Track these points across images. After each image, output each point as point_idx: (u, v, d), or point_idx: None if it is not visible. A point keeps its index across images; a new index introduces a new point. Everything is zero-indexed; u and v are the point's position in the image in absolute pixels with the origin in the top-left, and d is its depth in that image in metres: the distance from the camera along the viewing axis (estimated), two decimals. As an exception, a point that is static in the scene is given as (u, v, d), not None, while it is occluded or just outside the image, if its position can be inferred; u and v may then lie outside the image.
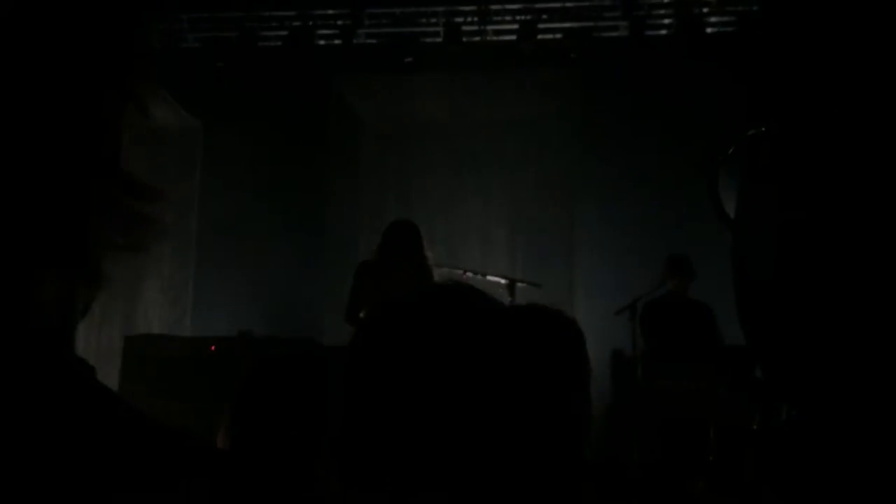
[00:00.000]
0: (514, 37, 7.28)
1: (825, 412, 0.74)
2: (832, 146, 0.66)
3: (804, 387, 0.76)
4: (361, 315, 4.90)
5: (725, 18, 6.99)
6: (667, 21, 7.12)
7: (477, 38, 7.34)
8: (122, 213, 0.63)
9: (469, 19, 7.30)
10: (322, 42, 7.52)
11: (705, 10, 7.01)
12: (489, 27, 7.31)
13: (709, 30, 7.02)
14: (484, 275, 5.95)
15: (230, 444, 1.59)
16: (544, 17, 7.17)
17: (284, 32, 7.51)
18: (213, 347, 6.66)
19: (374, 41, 7.52)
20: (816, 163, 0.68)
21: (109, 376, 6.04)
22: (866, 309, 0.65)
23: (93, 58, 0.61)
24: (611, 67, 6.96)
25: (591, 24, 7.18)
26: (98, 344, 6.45)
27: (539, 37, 7.22)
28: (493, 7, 7.17)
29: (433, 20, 7.34)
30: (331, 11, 7.42)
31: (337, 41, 7.46)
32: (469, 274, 5.89)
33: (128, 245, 0.64)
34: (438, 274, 5.50)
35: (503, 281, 5.78)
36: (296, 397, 1.59)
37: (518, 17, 7.21)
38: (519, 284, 5.86)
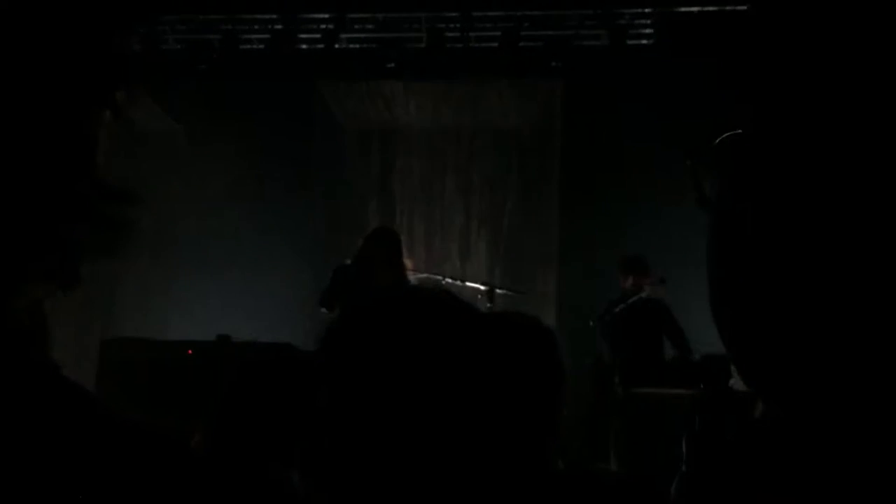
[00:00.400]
0: (496, 44, 7.30)
1: (798, 405, 0.75)
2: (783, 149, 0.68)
3: (775, 379, 0.76)
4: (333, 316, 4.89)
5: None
6: (647, 31, 7.15)
7: (459, 45, 7.35)
8: (97, 217, 0.63)
9: (452, 25, 7.30)
10: (305, 46, 7.50)
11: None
12: (472, 34, 7.32)
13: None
14: (464, 281, 5.96)
15: (209, 445, 1.58)
16: (526, 24, 7.19)
17: (267, 36, 7.48)
18: (189, 351, 6.62)
19: (357, 46, 7.51)
20: (769, 161, 0.70)
21: (86, 379, 6.00)
22: (808, 298, 0.66)
23: (68, 66, 0.62)
24: (592, 76, 6.99)
25: (572, 32, 7.20)
26: (77, 347, 6.39)
27: (521, 44, 7.24)
28: (476, 14, 7.18)
29: (416, 26, 7.35)
30: (314, 15, 7.41)
31: (320, 45, 7.44)
32: (448, 280, 5.90)
33: (104, 249, 0.64)
34: (417, 280, 5.51)
35: (483, 288, 5.78)
36: (279, 400, 1.59)
37: (500, 25, 7.22)
38: (499, 291, 5.87)
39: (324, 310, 5.21)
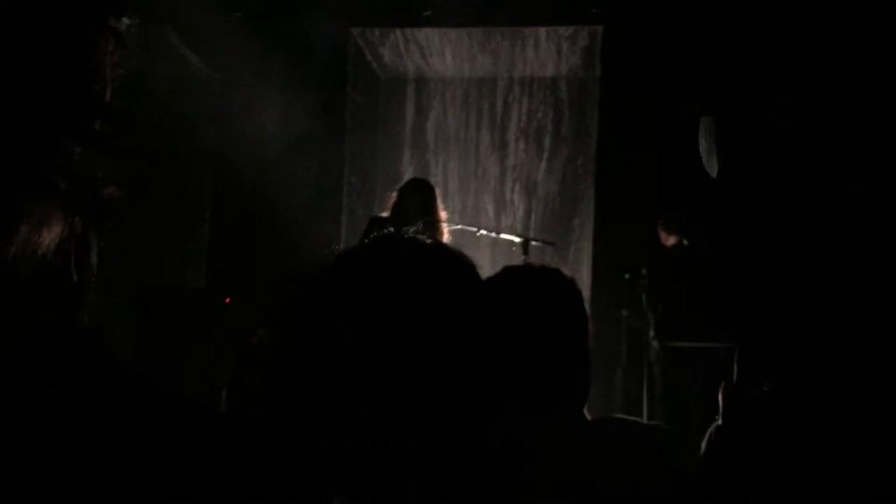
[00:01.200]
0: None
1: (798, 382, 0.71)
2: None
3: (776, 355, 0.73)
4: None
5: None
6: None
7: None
8: (103, 140, 0.63)
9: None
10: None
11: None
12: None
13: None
14: (498, 233, 5.93)
15: (227, 405, 1.58)
16: (567, -30, 7.02)
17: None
18: (227, 300, 6.71)
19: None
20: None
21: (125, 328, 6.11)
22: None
23: None
24: (633, 23, 6.81)
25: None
26: (110, 293, 6.48)
27: (561, -9, 7.08)
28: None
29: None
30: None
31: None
32: (483, 232, 5.87)
33: (119, 178, 0.64)
34: (451, 231, 5.49)
35: (517, 239, 5.74)
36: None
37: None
38: (533, 243, 5.83)
39: None
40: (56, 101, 0.60)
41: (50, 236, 0.60)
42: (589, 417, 1.58)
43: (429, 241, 1.04)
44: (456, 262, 1.01)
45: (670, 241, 5.89)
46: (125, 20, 0.68)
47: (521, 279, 1.63)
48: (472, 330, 0.96)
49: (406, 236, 1.03)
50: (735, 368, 1.45)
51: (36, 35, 0.59)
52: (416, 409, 0.91)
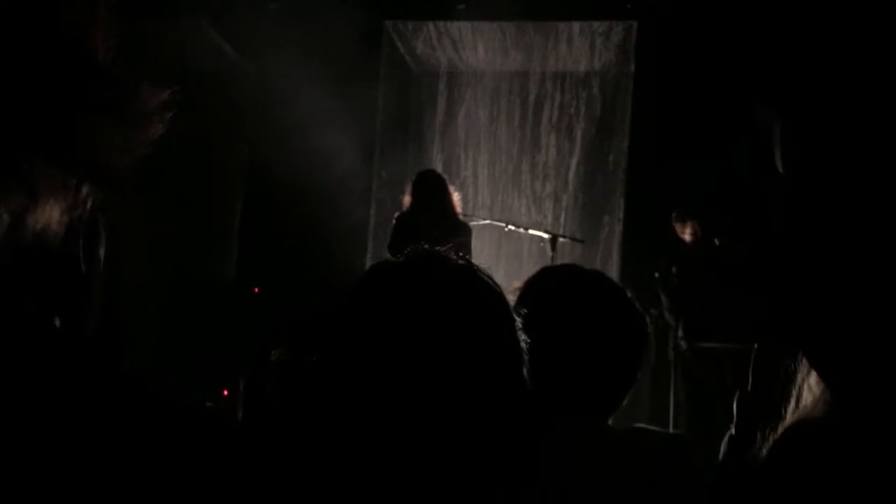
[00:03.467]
0: (569, -15, 7.09)
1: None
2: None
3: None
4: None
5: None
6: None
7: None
8: (111, 114, 0.62)
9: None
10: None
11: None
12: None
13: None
14: (526, 229, 5.90)
15: (243, 409, 1.59)
16: (601, -35, 6.96)
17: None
18: (256, 290, 6.76)
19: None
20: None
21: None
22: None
23: None
24: (667, 19, 6.73)
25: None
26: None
27: (595, -14, 7.02)
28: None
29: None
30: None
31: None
32: (511, 228, 5.85)
33: (126, 146, 0.63)
34: (479, 227, 5.47)
35: (546, 236, 5.72)
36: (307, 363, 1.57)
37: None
38: (562, 240, 5.80)
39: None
40: (56, 68, 0.59)
41: (58, 208, 0.59)
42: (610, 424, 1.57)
43: (460, 261, 1.04)
44: (482, 286, 1.01)
45: (686, 233, 5.85)
46: None
47: (580, 287, 1.59)
48: (493, 352, 0.96)
49: (438, 255, 1.03)
50: (750, 376, 1.42)
51: (36, 11, 0.59)
52: (436, 426, 0.91)
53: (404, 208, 5.35)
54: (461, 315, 0.97)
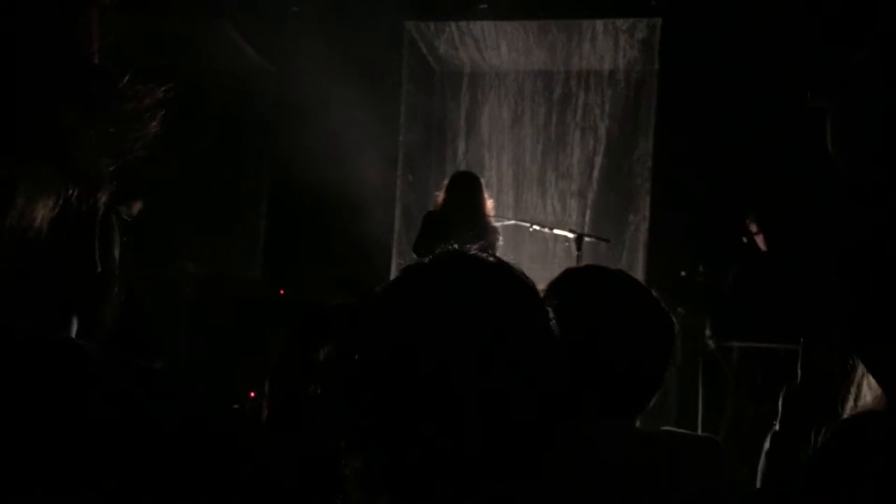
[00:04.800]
0: (592, -17, 7.05)
1: None
2: None
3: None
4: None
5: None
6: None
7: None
8: (102, 111, 0.61)
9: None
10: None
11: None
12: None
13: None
14: (551, 228, 5.87)
15: (268, 410, 1.58)
16: (625, -39, 6.91)
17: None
18: (281, 291, 6.78)
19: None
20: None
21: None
22: None
23: None
24: (693, 17, 6.67)
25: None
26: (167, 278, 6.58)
27: (619, -17, 6.97)
28: (572, -49, 6.94)
29: (510, -36, 7.15)
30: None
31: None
32: (535, 227, 5.82)
33: (116, 145, 0.62)
34: (503, 227, 5.46)
35: (570, 235, 5.68)
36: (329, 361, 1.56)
37: (598, -37, 6.96)
38: (587, 239, 5.77)
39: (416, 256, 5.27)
40: (46, 63, 0.58)
41: (43, 209, 0.58)
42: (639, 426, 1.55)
43: (491, 259, 1.03)
44: (517, 282, 1.00)
45: (754, 226, 5.76)
46: None
47: (605, 287, 1.57)
48: (530, 352, 0.95)
49: (469, 254, 1.02)
50: (799, 371, 1.38)
51: (25, 6, 0.58)
52: (474, 424, 0.90)
53: (436, 206, 5.35)
54: (498, 312, 0.96)
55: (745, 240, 5.73)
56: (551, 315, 1.00)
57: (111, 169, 0.62)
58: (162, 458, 0.58)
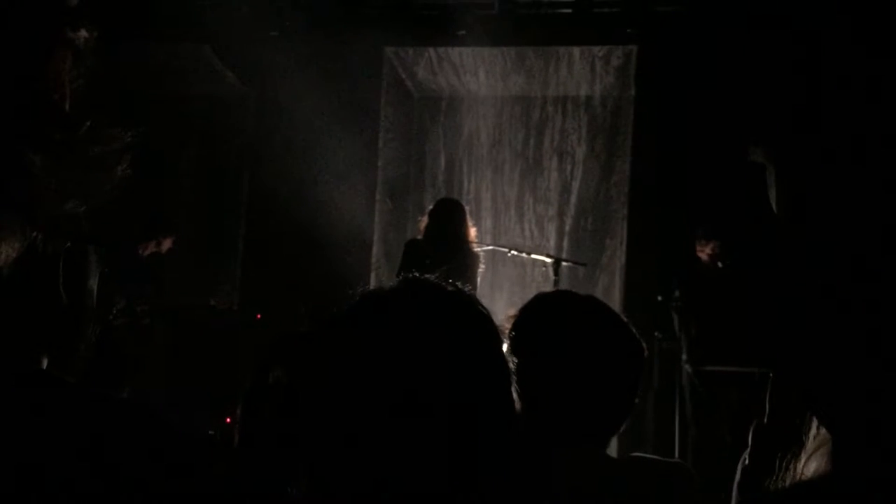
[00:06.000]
0: (569, 10, 7.13)
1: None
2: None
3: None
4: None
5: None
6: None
7: (532, 11, 7.20)
8: (70, 156, 0.62)
9: (524, -9, 7.15)
10: (375, 12, 7.45)
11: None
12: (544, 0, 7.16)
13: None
14: (528, 253, 5.90)
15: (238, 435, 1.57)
16: (601, -11, 6.99)
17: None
18: (258, 316, 6.75)
19: (426, 12, 7.43)
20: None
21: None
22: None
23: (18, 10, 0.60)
24: (667, 44, 6.76)
25: (648, -3, 6.97)
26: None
27: (595, 10, 7.05)
28: (549, -21, 7.02)
29: (488, -9, 7.21)
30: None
31: (389, 11, 7.38)
32: (513, 252, 5.84)
33: (79, 191, 0.62)
34: (482, 251, 5.48)
35: (548, 260, 5.71)
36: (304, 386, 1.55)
37: (574, -10, 7.04)
38: (564, 264, 5.79)
39: None
40: (12, 110, 0.59)
41: (6, 250, 0.59)
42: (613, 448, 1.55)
43: (450, 288, 1.05)
44: (472, 312, 1.02)
45: (705, 252, 5.79)
46: (83, 32, 0.67)
47: (574, 313, 1.58)
48: (481, 372, 0.97)
49: (428, 281, 1.04)
50: (766, 404, 1.40)
51: None
52: (424, 447, 0.91)
53: (419, 232, 5.37)
54: (447, 337, 0.97)
55: (720, 264, 5.78)
56: (505, 342, 1.02)
57: (81, 210, 0.62)
58: (124, 487, 0.59)
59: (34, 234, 0.61)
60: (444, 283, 1.04)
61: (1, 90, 0.59)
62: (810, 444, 0.82)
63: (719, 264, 5.76)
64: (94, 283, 0.68)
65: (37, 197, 0.60)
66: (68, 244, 0.64)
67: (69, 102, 0.65)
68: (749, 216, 5.48)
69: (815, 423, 0.83)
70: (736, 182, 5.76)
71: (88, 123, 0.64)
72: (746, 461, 1.50)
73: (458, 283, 1.05)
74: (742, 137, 5.90)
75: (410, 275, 1.07)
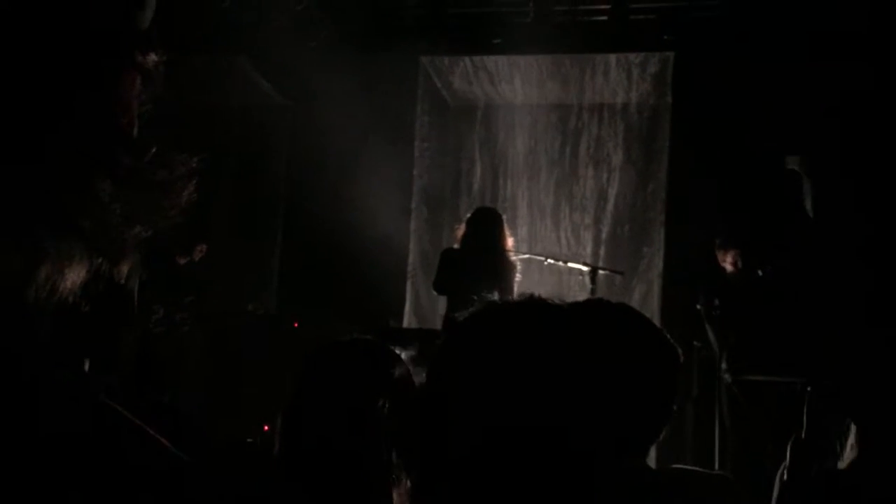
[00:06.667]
0: (605, 17, 7.09)
1: None
2: None
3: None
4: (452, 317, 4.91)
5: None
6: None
7: (567, 19, 7.17)
8: (137, 181, 0.62)
9: (560, -1, 7.13)
10: (411, 22, 7.49)
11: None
12: (580, 7, 7.13)
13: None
14: (566, 262, 5.87)
15: (280, 443, 1.58)
16: (637, -4, 6.95)
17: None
18: (295, 324, 6.79)
19: (461, 21, 7.44)
20: None
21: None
22: None
23: (86, 26, 0.61)
24: (706, 50, 6.70)
25: (685, 3, 6.92)
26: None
27: (631, 17, 7.01)
28: (585, -14, 6.99)
29: (523, -1, 7.20)
30: (420, -10, 7.37)
31: (424, 20, 7.41)
32: (550, 261, 5.82)
33: (145, 216, 0.63)
34: (519, 260, 5.46)
35: (585, 268, 5.68)
36: (343, 397, 1.56)
37: (610, -3, 7.01)
38: (602, 272, 5.76)
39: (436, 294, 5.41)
40: (83, 136, 0.59)
41: (72, 277, 0.59)
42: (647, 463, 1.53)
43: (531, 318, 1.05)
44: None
45: (727, 261, 5.72)
46: (152, 56, 0.67)
47: (607, 322, 1.56)
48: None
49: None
50: (805, 420, 1.37)
51: (61, 72, 0.59)
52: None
53: (456, 241, 5.35)
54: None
55: (760, 272, 5.70)
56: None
57: (146, 235, 0.63)
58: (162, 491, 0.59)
59: (99, 260, 0.61)
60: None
61: (71, 115, 0.59)
62: (847, 453, 0.81)
63: (759, 272, 5.68)
64: (133, 286, 0.69)
65: (103, 224, 0.60)
66: (136, 272, 0.64)
67: (137, 127, 0.66)
68: (783, 224, 5.40)
69: (851, 437, 0.82)
70: (770, 190, 5.68)
71: (155, 148, 0.64)
72: (784, 476, 1.48)
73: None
74: (779, 145, 5.83)
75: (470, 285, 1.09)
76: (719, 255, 5.77)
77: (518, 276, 5.35)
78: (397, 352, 1.67)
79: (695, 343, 5.79)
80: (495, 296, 1.17)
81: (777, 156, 6.00)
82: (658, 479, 1.47)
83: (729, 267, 5.74)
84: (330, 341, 1.79)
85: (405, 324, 7.09)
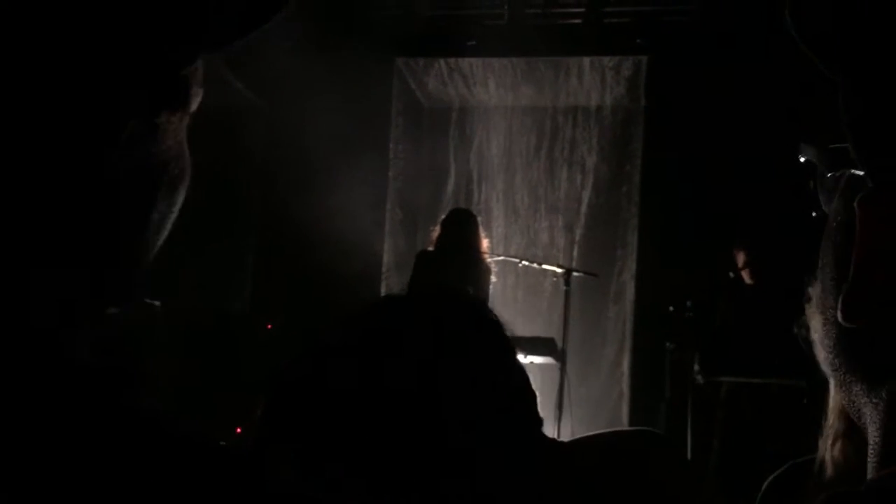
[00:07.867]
0: (579, 20, 7.13)
1: None
2: None
3: None
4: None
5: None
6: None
7: (541, 22, 7.20)
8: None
9: (534, 1, 7.16)
10: (386, 23, 7.47)
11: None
12: (555, 10, 7.17)
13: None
14: (539, 264, 5.89)
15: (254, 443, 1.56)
16: None
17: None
18: (269, 326, 6.75)
19: (436, 22, 7.44)
20: None
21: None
22: None
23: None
24: (678, 54, 6.76)
25: (659, 7, 6.97)
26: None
27: (605, 21, 7.05)
28: (559, -11, 7.03)
29: (497, 1, 7.22)
30: (395, -8, 7.36)
31: (399, 22, 7.40)
32: (524, 263, 5.83)
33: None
34: (493, 263, 5.47)
35: (559, 270, 5.70)
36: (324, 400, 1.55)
37: (584, 0, 7.05)
38: (575, 274, 5.78)
39: None
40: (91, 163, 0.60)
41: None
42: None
43: (470, 299, 1.04)
44: (489, 323, 1.02)
45: (739, 260, 5.74)
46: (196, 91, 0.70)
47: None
48: (510, 389, 0.97)
49: (450, 290, 1.04)
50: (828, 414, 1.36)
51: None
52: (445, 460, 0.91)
53: (430, 243, 5.35)
54: (468, 351, 0.97)
55: (731, 274, 5.75)
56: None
57: None
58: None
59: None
60: (464, 293, 1.05)
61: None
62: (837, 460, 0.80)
63: (730, 274, 5.73)
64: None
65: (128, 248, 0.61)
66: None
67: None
68: (795, 220, 5.40)
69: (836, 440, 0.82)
70: (777, 185, 5.67)
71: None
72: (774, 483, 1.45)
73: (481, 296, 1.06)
74: (751, 149, 5.88)
75: (430, 284, 1.07)
76: (736, 254, 5.79)
77: (493, 279, 5.36)
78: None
79: (668, 344, 5.84)
80: None
81: (749, 159, 6.05)
82: (568, 445, 1.43)
83: (740, 265, 5.76)
84: (306, 343, 1.77)
85: (379, 325, 7.07)
